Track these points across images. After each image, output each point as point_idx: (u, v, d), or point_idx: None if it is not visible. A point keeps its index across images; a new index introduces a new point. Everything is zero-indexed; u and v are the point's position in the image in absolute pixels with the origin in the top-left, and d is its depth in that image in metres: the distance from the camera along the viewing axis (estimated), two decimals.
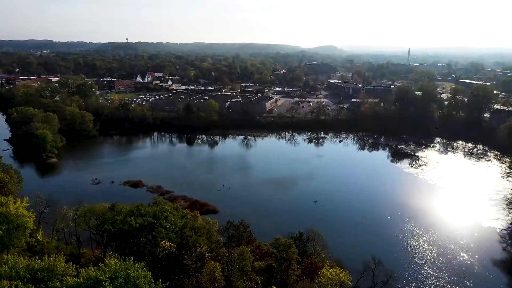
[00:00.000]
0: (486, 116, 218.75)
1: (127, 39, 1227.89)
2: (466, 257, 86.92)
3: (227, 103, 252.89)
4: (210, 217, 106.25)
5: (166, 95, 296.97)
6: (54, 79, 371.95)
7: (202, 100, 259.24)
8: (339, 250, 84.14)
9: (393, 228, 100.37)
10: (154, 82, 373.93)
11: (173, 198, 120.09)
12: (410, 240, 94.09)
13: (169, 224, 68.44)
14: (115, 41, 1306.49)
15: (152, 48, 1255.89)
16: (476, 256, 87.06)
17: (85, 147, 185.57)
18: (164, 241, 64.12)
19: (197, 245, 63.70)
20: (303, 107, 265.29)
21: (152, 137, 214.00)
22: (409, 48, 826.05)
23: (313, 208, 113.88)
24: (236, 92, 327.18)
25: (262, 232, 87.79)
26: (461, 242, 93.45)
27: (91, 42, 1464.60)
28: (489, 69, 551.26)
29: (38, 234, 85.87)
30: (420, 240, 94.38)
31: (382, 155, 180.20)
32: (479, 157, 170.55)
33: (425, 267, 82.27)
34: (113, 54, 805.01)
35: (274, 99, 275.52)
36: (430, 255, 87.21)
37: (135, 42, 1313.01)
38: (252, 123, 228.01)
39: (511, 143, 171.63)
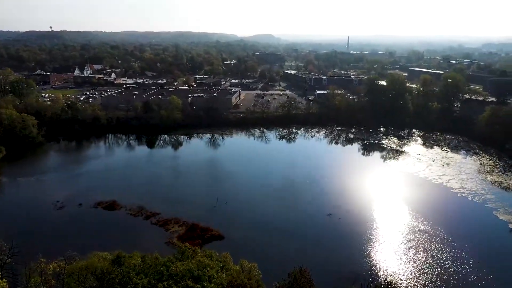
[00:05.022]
0: (457, 106, 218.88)
1: (50, 27, 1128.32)
2: None
3: (189, 99, 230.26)
4: (216, 244, 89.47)
5: (117, 91, 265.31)
6: None
7: (159, 96, 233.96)
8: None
9: (437, 245, 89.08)
10: (97, 76, 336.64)
11: (164, 223, 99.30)
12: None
13: (215, 286, 49.87)
14: (37, 29, 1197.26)
15: (80, 37, 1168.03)
16: None
17: (31, 158, 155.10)
18: None
19: None
20: (268, 100, 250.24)
21: (108, 140, 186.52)
22: (348, 37, 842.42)
23: (330, 223, 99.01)
24: (193, 86, 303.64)
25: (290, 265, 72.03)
26: None
27: (8, 31, 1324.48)
28: (428, 57, 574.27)
29: None
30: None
31: (368, 152, 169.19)
32: (465, 150, 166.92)
33: None
34: (38, 44, 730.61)
35: (237, 93, 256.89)
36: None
37: (60, 31, 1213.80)
38: (219, 120, 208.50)
39: (492, 134, 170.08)
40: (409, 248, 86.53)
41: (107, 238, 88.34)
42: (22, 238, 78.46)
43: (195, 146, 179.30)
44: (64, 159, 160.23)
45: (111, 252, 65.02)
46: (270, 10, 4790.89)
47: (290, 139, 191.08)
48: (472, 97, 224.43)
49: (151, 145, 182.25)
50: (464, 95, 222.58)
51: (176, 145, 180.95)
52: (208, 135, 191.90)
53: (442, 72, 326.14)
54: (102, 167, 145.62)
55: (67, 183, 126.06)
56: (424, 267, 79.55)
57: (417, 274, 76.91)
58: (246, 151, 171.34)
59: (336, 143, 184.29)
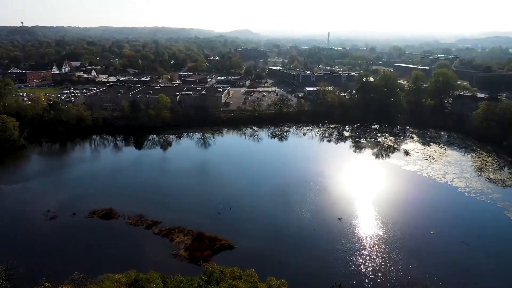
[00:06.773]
0: (448, 103, 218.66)
1: (22, 22, 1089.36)
2: None
3: (177, 97, 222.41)
4: (228, 255, 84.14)
5: (100, 89, 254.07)
6: None
7: (146, 95, 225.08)
8: None
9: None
10: (77, 74, 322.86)
11: (167, 232, 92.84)
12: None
13: None
14: (7, 24, 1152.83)
15: (53, 32, 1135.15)
16: None
17: (13, 163, 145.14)
18: None
19: None
20: (258, 98, 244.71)
21: (94, 142, 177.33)
22: (329, 33, 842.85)
23: (344, 229, 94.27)
24: (179, 83, 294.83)
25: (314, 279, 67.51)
26: None
27: None
28: (409, 52, 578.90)
29: None
30: None
31: (366, 150, 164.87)
32: (461, 147, 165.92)
33: None
34: (10, 40, 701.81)
35: (226, 91, 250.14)
36: None
37: (32, 26, 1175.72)
38: (210, 119, 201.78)
39: (487, 131, 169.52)
40: (430, 254, 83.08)
41: (110, 252, 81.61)
42: (16, 256, 71.28)
43: (187, 147, 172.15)
44: (50, 163, 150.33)
45: (124, 271, 58.91)
46: (247, 6, 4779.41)
47: (283, 137, 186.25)
48: (462, 93, 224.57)
49: (140, 146, 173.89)
50: (455, 92, 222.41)
51: (166, 145, 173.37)
52: (199, 135, 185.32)
53: (428, 68, 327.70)
54: (91, 171, 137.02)
55: (56, 190, 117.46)
56: (448, 273, 76.31)
57: (444, 282, 73.51)
58: (240, 151, 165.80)
59: (332, 141, 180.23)
